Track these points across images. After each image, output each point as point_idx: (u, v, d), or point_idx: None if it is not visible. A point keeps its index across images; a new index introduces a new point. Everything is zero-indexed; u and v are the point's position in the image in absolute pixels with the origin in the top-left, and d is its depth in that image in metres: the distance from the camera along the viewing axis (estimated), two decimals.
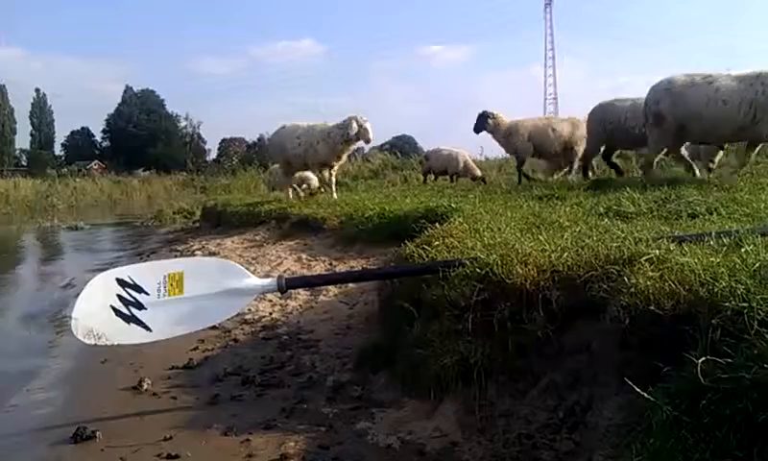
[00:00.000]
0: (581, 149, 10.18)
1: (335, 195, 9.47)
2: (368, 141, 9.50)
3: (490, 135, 10.62)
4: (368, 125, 8.99)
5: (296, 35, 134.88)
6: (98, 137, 67.55)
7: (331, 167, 9.47)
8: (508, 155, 11.91)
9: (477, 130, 10.60)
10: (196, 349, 3.96)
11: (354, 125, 8.88)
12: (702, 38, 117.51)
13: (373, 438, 2.50)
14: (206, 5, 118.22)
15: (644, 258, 2.17)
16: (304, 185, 14.37)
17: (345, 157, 9.80)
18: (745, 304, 1.64)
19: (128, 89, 66.44)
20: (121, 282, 2.84)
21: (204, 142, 64.38)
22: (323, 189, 14.25)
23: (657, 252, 2.20)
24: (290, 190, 10.67)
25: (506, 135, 10.39)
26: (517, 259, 2.54)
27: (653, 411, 1.55)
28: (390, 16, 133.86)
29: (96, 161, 56.85)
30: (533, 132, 10.23)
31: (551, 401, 2.25)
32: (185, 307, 2.84)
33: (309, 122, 9.71)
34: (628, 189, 4.93)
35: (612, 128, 8.48)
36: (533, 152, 10.40)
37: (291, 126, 9.75)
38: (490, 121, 10.36)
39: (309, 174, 15.18)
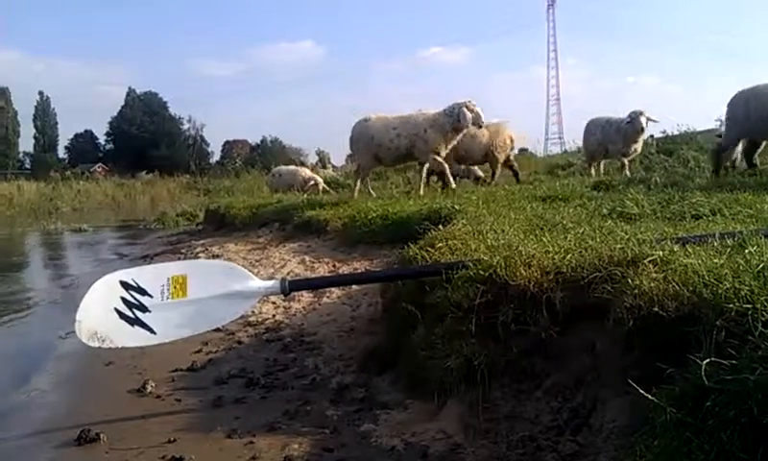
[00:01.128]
0: (502, 156, 10.04)
1: (422, 190, 8.87)
2: (480, 126, 8.61)
3: None
4: (478, 109, 8.29)
5: (295, 36, 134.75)
6: (101, 140, 67.73)
7: (431, 156, 8.55)
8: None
9: None
10: (200, 351, 3.97)
11: (467, 113, 8.09)
12: (706, 38, 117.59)
13: (377, 440, 2.50)
14: (207, 7, 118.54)
15: (648, 260, 2.16)
16: (311, 183, 14.48)
17: (449, 148, 8.77)
18: (749, 306, 1.64)
19: (130, 92, 66.55)
20: (125, 285, 2.85)
21: (208, 144, 64.76)
22: (326, 189, 14.28)
23: (660, 253, 2.20)
24: (360, 185, 9.71)
25: None
26: (521, 261, 2.54)
27: (657, 413, 1.55)
28: (390, 18, 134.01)
29: (100, 164, 56.96)
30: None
31: (555, 403, 2.24)
32: (189, 310, 2.84)
33: (398, 113, 8.84)
34: (631, 191, 4.93)
35: (757, 118, 7.02)
36: (456, 157, 10.07)
37: (378, 118, 8.80)
38: None
39: (311, 173, 15.32)
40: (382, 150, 8.69)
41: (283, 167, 17.13)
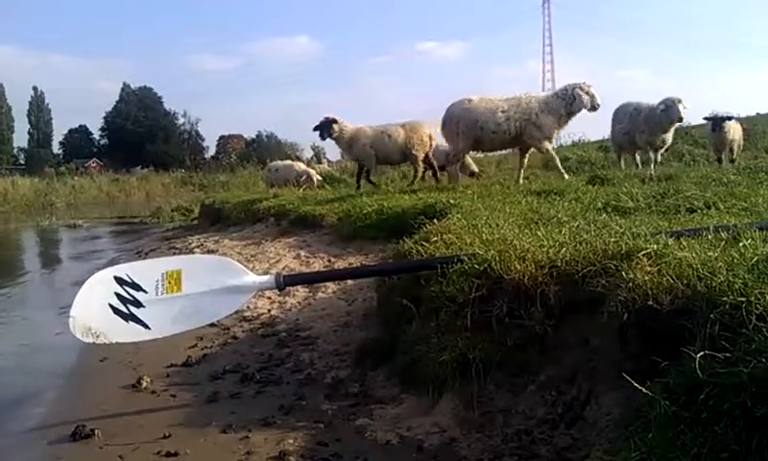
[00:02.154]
0: (420, 154, 9.71)
1: (566, 175, 7.88)
2: (596, 108, 7.74)
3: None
4: (593, 90, 7.61)
5: (291, 31, 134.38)
6: (96, 135, 67.47)
7: (545, 144, 7.93)
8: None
9: (322, 136, 9.70)
10: (194, 346, 3.96)
11: (583, 94, 7.50)
12: (702, 33, 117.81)
13: (372, 434, 2.50)
14: (203, 2, 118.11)
15: (642, 253, 2.17)
16: (304, 178, 14.49)
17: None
18: (743, 299, 1.64)
19: (125, 87, 66.24)
20: (119, 281, 2.84)
21: (203, 139, 64.57)
22: (323, 185, 14.24)
23: (655, 246, 2.20)
24: (458, 172, 8.88)
25: (349, 143, 9.83)
26: (516, 255, 2.54)
27: (651, 406, 1.56)
28: (385, 12, 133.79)
29: (94, 159, 56.78)
30: (373, 139, 9.71)
31: (549, 397, 2.25)
32: (184, 305, 2.84)
33: (503, 95, 8.02)
34: (626, 184, 4.94)
35: None
36: (376, 159, 9.87)
37: (482, 99, 8.00)
38: (335, 127, 9.49)
39: (304, 166, 15.36)
40: (485, 134, 7.88)
41: (279, 162, 17.10)
